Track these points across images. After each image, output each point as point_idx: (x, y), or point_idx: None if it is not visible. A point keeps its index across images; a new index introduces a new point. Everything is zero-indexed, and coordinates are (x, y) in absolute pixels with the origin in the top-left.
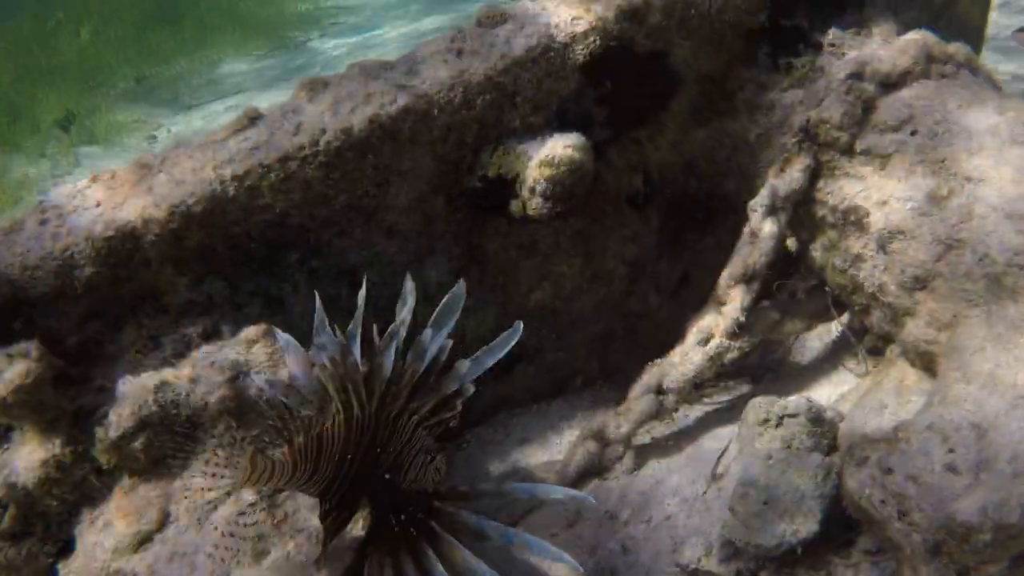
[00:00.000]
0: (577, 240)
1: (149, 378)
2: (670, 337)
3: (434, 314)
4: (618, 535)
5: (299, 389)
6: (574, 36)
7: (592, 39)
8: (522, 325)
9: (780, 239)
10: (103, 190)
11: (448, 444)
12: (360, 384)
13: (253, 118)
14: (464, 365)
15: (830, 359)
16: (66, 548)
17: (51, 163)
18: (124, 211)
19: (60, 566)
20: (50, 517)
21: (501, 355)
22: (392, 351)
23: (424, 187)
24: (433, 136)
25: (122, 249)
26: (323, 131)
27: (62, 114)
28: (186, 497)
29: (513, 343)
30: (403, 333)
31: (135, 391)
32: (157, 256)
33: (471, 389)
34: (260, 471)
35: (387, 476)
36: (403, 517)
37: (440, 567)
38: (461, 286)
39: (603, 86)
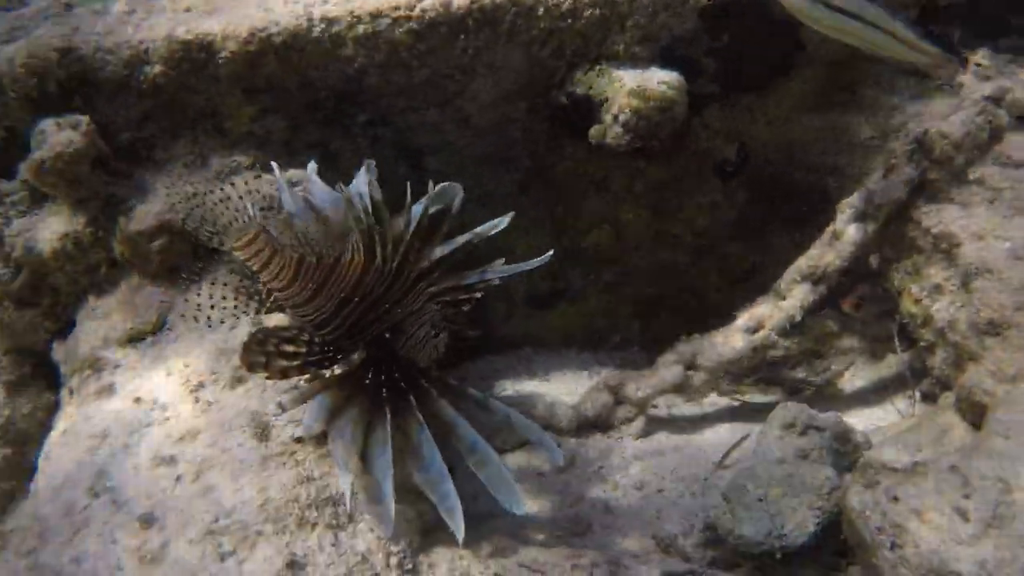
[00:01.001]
0: (651, 191)
1: (186, 186)
2: (720, 324)
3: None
4: (605, 493)
5: (326, 219)
6: None
7: None
8: (552, 252)
9: (862, 248)
10: None
11: (454, 326)
12: (386, 238)
13: None
14: (497, 265)
15: (879, 392)
16: (65, 330)
17: None
18: (209, 21)
19: (56, 344)
20: (59, 294)
21: (525, 269)
22: (420, 217)
23: (510, 87)
24: (532, 36)
25: (196, 57)
26: None
27: None
28: (185, 309)
29: (540, 263)
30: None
31: (166, 194)
32: (228, 76)
33: (495, 281)
34: (257, 248)
35: (387, 335)
36: (394, 372)
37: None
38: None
39: (720, 38)
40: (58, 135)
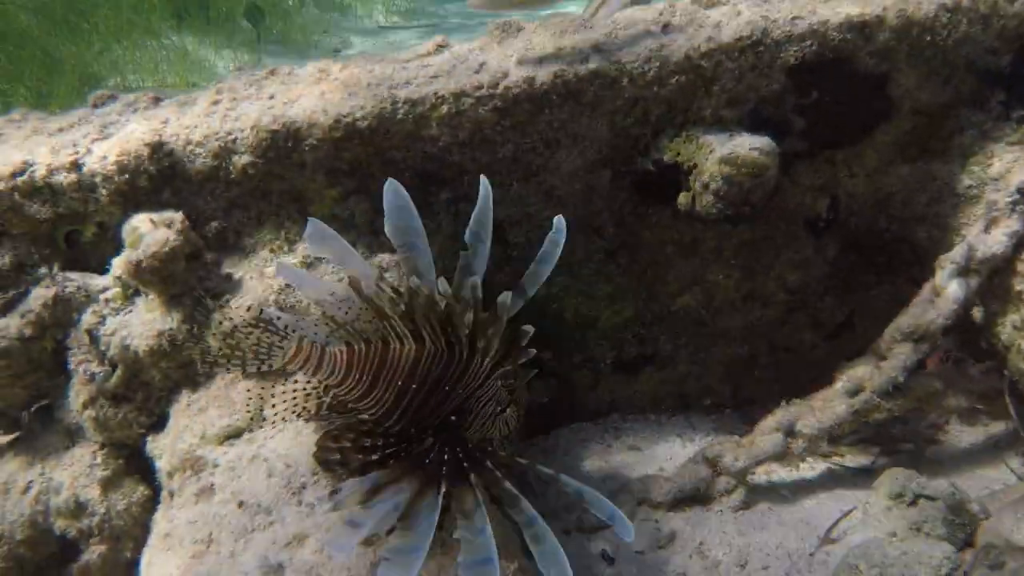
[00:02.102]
0: (741, 252)
1: (275, 280)
2: (817, 380)
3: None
4: (707, 572)
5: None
6: (790, 35)
7: (810, 43)
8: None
9: (965, 305)
10: (278, 84)
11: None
12: (437, 318)
13: (441, 46)
14: (507, 296)
15: (990, 452)
16: (159, 423)
17: (234, 54)
18: (294, 109)
19: (149, 439)
20: (152, 389)
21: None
22: (472, 291)
23: (594, 157)
24: (616, 106)
25: (282, 146)
26: (505, 75)
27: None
28: (275, 402)
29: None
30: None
31: (259, 287)
32: (313, 162)
33: (530, 330)
34: (305, 355)
35: (453, 418)
36: (461, 456)
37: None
38: (561, 223)
39: (808, 95)
40: (154, 234)
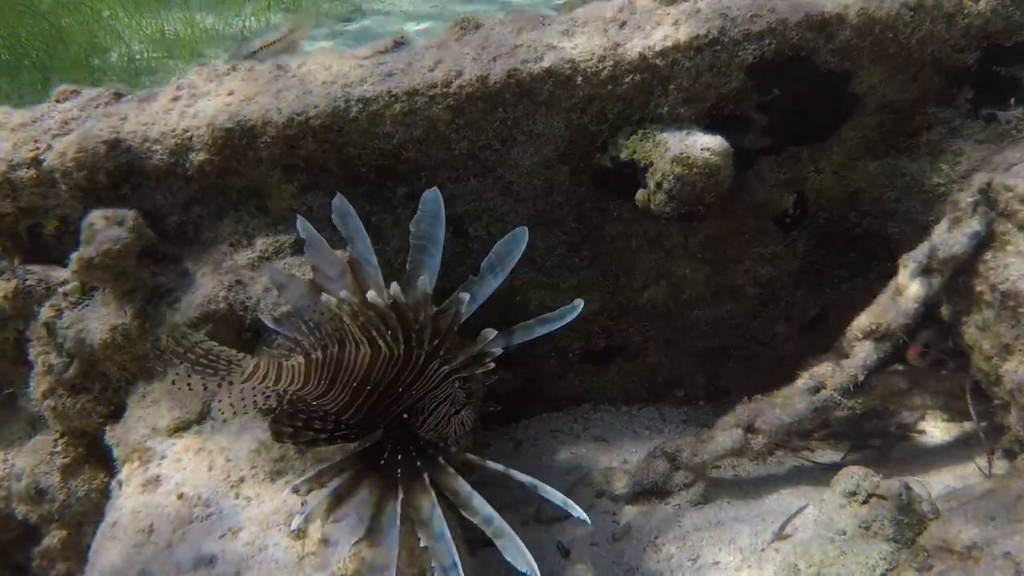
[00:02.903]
0: (708, 247)
1: (227, 275)
2: (792, 373)
3: (486, 261)
4: (659, 564)
5: (306, 322)
6: (748, 34)
7: (768, 42)
8: (582, 303)
9: (926, 304)
10: (239, 81)
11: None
12: (391, 322)
13: (399, 43)
14: (491, 333)
15: (960, 448)
16: (117, 413)
17: (243, 22)
18: (249, 108)
19: (108, 428)
20: (109, 380)
21: (552, 328)
22: (427, 293)
23: (551, 154)
24: (572, 104)
25: (238, 143)
26: (459, 73)
27: None
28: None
29: (568, 320)
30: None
31: (210, 284)
32: (269, 158)
33: (498, 351)
34: (263, 372)
35: (405, 416)
36: (411, 450)
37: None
38: (523, 231)
39: (769, 91)
40: (105, 232)
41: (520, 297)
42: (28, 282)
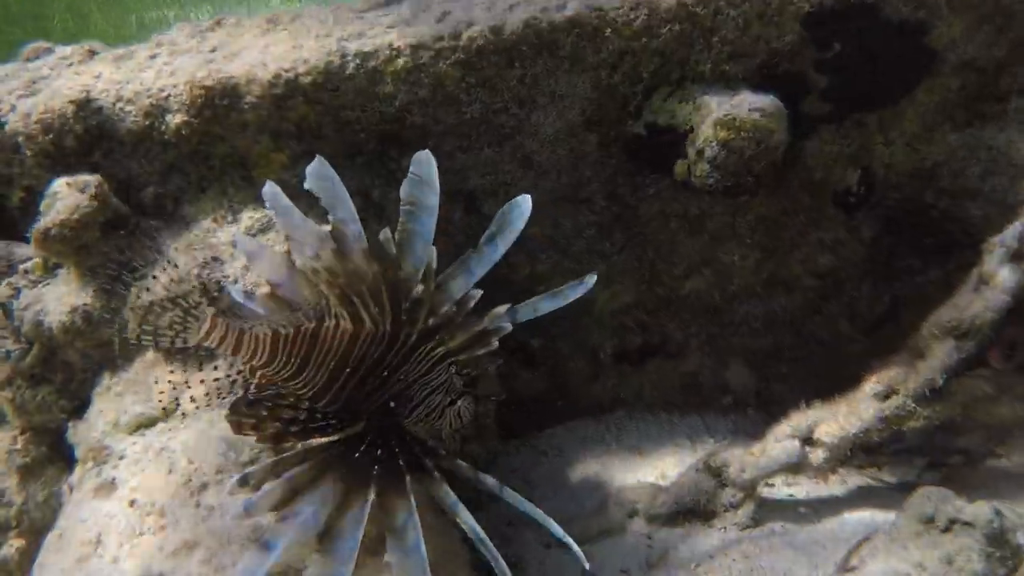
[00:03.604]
0: (759, 229)
1: (202, 252)
2: (857, 378)
3: (486, 233)
4: None
5: (283, 297)
6: None
7: None
8: (595, 277)
9: (1016, 296)
10: (223, 36)
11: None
12: (377, 295)
13: None
14: (502, 311)
15: None
16: (82, 408)
17: None
18: (233, 64)
19: (71, 425)
20: (72, 370)
21: (559, 305)
22: (421, 268)
23: (577, 119)
24: (600, 60)
25: (219, 104)
26: (469, 24)
27: None
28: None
29: (578, 295)
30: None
31: (182, 260)
32: (256, 121)
33: (507, 328)
34: (221, 333)
35: (392, 404)
36: (397, 450)
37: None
38: (525, 198)
39: (829, 47)
40: (63, 200)
41: (543, 286)
42: None
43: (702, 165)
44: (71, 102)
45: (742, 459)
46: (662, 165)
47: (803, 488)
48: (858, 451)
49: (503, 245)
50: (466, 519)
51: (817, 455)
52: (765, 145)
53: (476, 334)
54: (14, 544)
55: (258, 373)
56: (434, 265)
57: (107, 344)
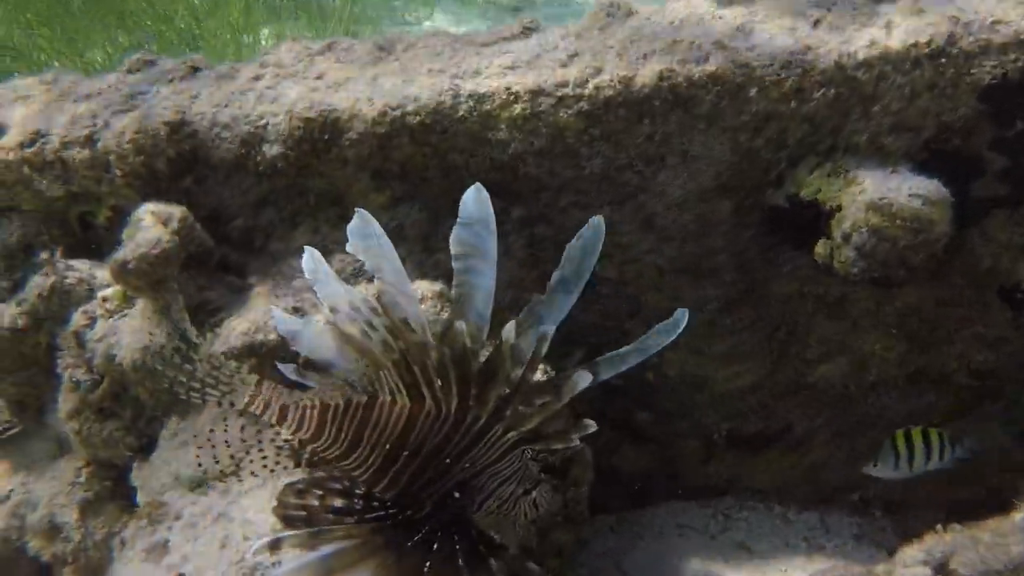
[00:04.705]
0: (908, 319)
1: (285, 298)
2: (1008, 499)
3: (556, 274)
4: None
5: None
6: (986, 45)
7: (1015, 57)
8: (687, 315)
9: None
10: (331, 62)
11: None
12: (442, 370)
13: (528, 28)
14: (583, 377)
15: None
16: (148, 447)
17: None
18: (337, 95)
19: (135, 464)
20: (142, 408)
21: (648, 354)
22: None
23: (709, 183)
24: (741, 122)
25: (319, 138)
26: (598, 71)
27: None
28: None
29: (669, 339)
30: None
31: (262, 308)
32: (356, 159)
33: (591, 426)
34: (265, 400)
35: (456, 495)
36: (458, 547)
37: None
38: (598, 221)
39: (1011, 124)
40: (144, 233)
41: (657, 358)
42: (68, 280)
43: (847, 251)
44: (165, 123)
45: None
46: (802, 242)
47: None
48: None
49: (576, 290)
50: None
51: None
52: (924, 237)
53: (553, 415)
54: None
55: (308, 448)
56: (512, 338)
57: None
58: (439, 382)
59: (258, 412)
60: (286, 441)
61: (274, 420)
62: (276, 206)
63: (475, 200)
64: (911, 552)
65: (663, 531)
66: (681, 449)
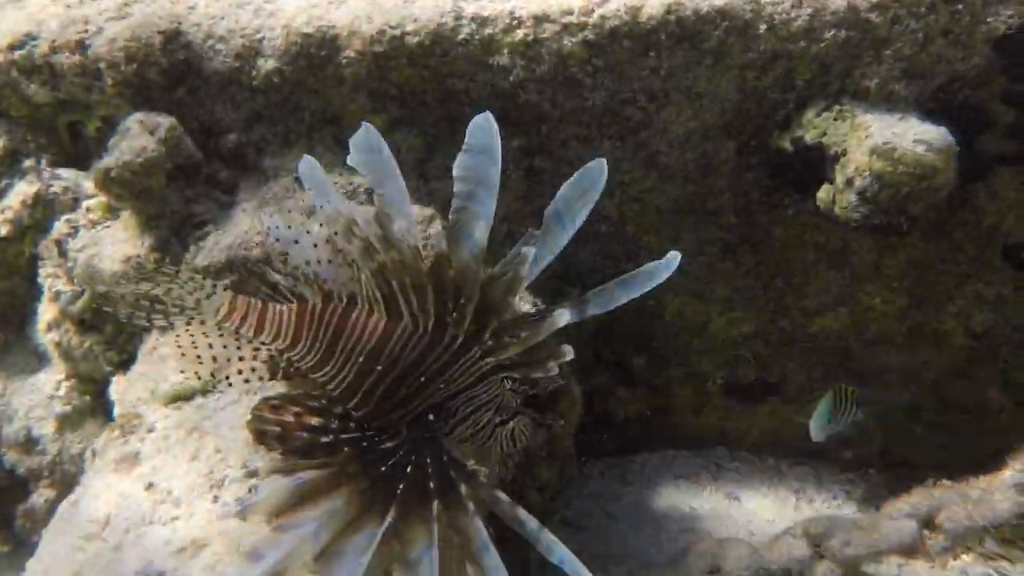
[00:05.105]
0: (909, 273)
1: (271, 217)
2: (999, 457)
3: (550, 208)
4: None
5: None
6: None
7: None
8: (679, 257)
9: None
10: None
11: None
12: (421, 288)
13: None
14: (563, 315)
15: None
16: (130, 363)
17: None
18: (337, 12)
19: (115, 379)
20: (123, 323)
21: (638, 293)
22: (478, 250)
23: (714, 122)
24: (748, 60)
25: (315, 54)
26: (604, 0)
27: None
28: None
29: (660, 280)
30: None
31: (247, 223)
32: (352, 78)
33: (568, 354)
34: (242, 313)
35: (430, 416)
36: (431, 470)
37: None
38: (600, 164)
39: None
40: (129, 141)
41: (653, 301)
42: (53, 189)
43: (849, 196)
44: (160, 32)
45: (848, 531)
46: (806, 187)
47: (915, 570)
48: (987, 538)
49: (572, 226)
50: (493, 567)
51: (936, 542)
52: (927, 184)
53: (535, 346)
54: (44, 494)
55: (285, 358)
56: (481, 248)
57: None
58: (417, 300)
59: (235, 326)
60: (264, 347)
61: (252, 333)
62: (270, 122)
63: (483, 127)
64: (897, 505)
65: (653, 479)
66: (677, 396)
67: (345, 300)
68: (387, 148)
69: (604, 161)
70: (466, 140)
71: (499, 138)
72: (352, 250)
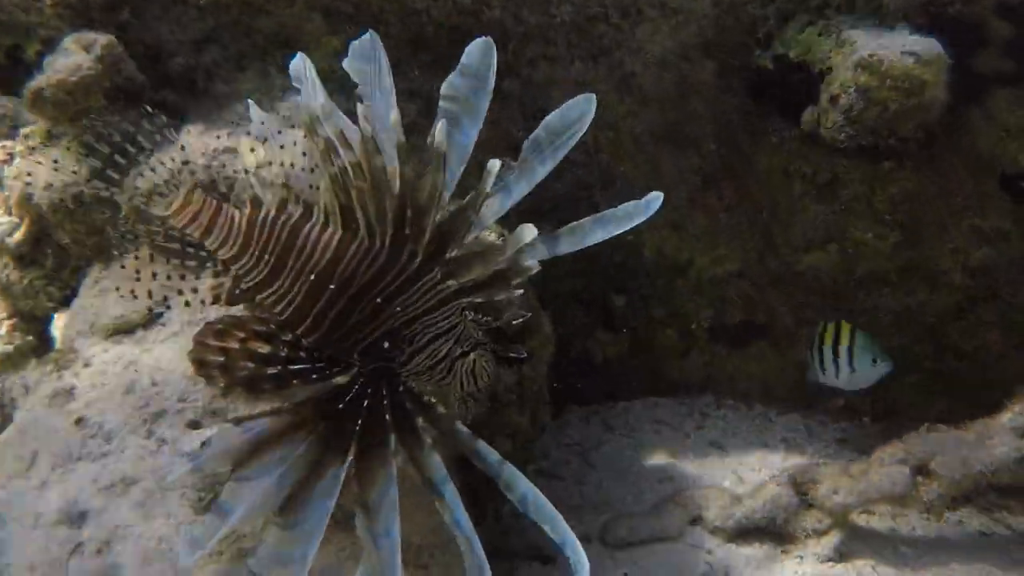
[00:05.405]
0: (901, 206)
1: (217, 139)
2: (998, 402)
3: (530, 140)
4: None
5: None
6: None
7: None
8: (661, 198)
9: None
10: None
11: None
12: (380, 198)
13: None
14: (528, 230)
15: None
16: (72, 299)
17: None
18: None
19: (56, 316)
20: (67, 257)
21: (613, 232)
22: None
23: (693, 40)
24: None
25: None
26: None
27: None
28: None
29: (638, 220)
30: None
31: (193, 146)
32: None
33: (533, 267)
34: (195, 209)
35: (385, 344)
36: (386, 403)
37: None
38: (589, 98)
39: None
40: (64, 59)
41: (632, 236)
42: None
43: (834, 115)
44: None
45: (837, 478)
46: (791, 110)
47: (911, 523)
48: (985, 489)
49: (552, 160)
50: (450, 500)
51: (929, 489)
52: (916, 101)
53: (500, 268)
54: None
55: (231, 269)
56: (442, 153)
57: (100, 231)
58: (375, 213)
59: (183, 224)
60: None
61: (199, 234)
62: (220, 44)
63: (480, 52)
64: (889, 451)
65: (635, 426)
66: (660, 339)
67: (300, 210)
68: (386, 61)
69: (593, 96)
70: (461, 61)
71: (495, 68)
72: (314, 150)
